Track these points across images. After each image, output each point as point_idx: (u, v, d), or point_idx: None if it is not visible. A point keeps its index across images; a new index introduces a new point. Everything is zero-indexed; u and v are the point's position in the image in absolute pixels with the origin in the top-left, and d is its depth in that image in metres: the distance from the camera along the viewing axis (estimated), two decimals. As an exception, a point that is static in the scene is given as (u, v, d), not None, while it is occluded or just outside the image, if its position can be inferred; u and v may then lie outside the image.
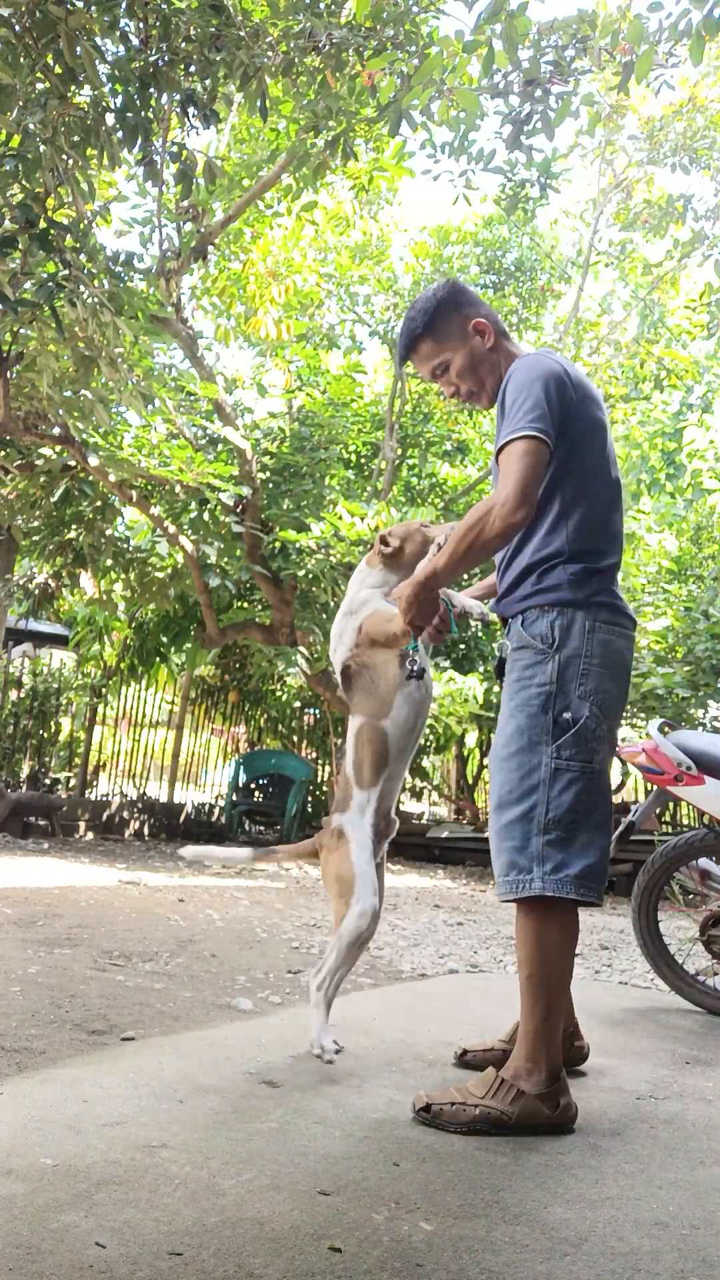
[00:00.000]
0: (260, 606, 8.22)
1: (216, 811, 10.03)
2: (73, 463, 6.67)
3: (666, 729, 3.41)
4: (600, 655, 1.98)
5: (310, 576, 7.20)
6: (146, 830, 9.16)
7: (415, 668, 2.21)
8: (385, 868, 2.41)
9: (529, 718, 1.98)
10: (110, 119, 4.00)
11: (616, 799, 10.95)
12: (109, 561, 7.53)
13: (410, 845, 9.77)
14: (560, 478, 2.02)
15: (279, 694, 11.00)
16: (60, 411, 5.73)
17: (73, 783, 9.11)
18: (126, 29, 3.96)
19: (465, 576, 2.32)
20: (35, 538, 7.46)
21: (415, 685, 2.28)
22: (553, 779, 1.93)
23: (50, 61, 3.71)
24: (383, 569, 2.45)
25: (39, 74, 3.77)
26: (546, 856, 1.90)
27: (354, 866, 2.22)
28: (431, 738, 9.95)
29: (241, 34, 4.02)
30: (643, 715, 8.25)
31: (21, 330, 4.57)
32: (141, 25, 3.92)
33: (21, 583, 9.30)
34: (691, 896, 3.82)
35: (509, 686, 2.05)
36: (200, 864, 7.16)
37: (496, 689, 8.31)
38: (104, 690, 9.37)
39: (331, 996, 2.22)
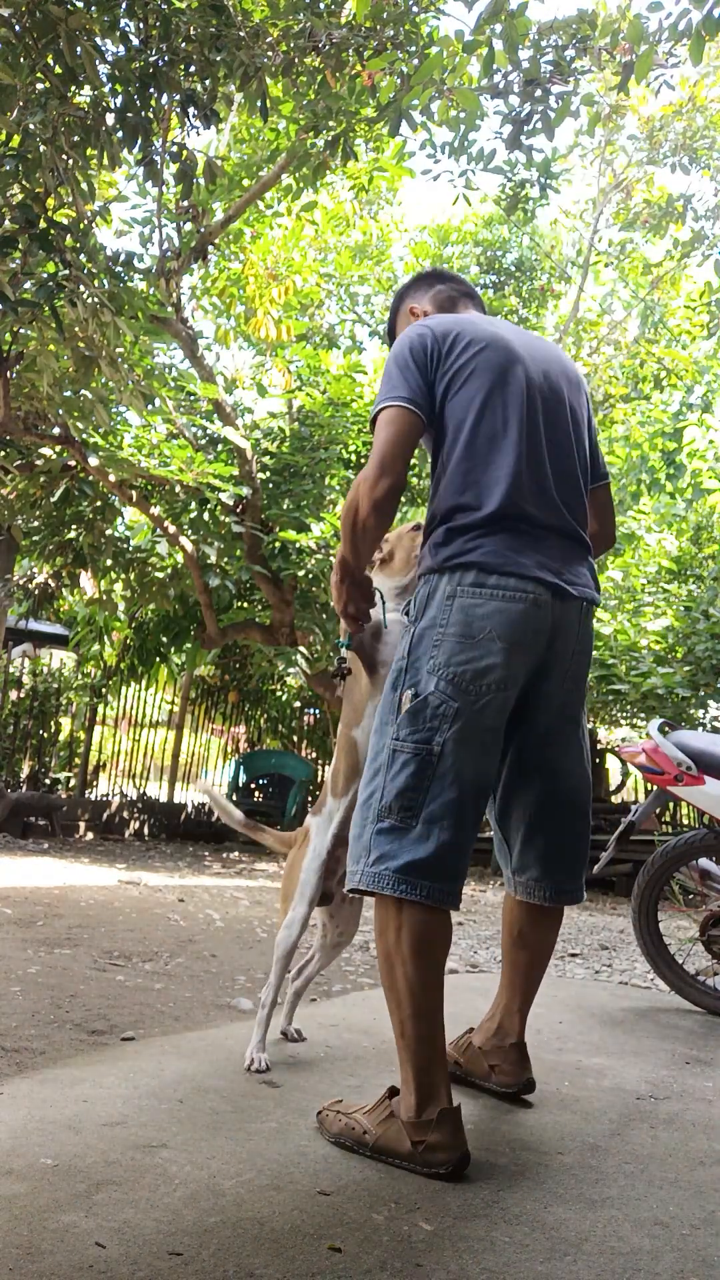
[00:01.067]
0: (260, 606, 8.23)
1: (216, 811, 10.04)
2: (73, 463, 6.67)
3: (666, 729, 3.41)
4: (459, 623, 1.74)
5: (310, 576, 7.20)
6: (146, 830, 9.16)
7: (340, 668, 2.13)
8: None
9: (384, 698, 1.83)
10: (110, 119, 4.00)
11: (616, 799, 10.95)
12: (109, 561, 7.53)
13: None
14: (436, 438, 1.87)
15: (279, 694, 11.01)
16: (60, 411, 5.73)
17: (73, 783, 9.11)
18: (126, 29, 3.96)
19: None
20: (35, 538, 7.46)
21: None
22: (390, 761, 1.75)
23: (50, 61, 3.72)
24: (381, 574, 2.39)
25: (39, 74, 3.77)
26: (373, 846, 1.73)
27: (302, 871, 2.22)
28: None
29: (241, 34, 4.03)
30: (643, 715, 8.25)
31: (21, 330, 4.57)
32: (141, 25, 3.92)
33: (21, 583, 9.30)
34: (691, 896, 3.82)
35: None
36: (199, 863, 7.16)
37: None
38: (104, 690, 9.37)
39: (272, 1009, 2.20)
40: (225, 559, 7.20)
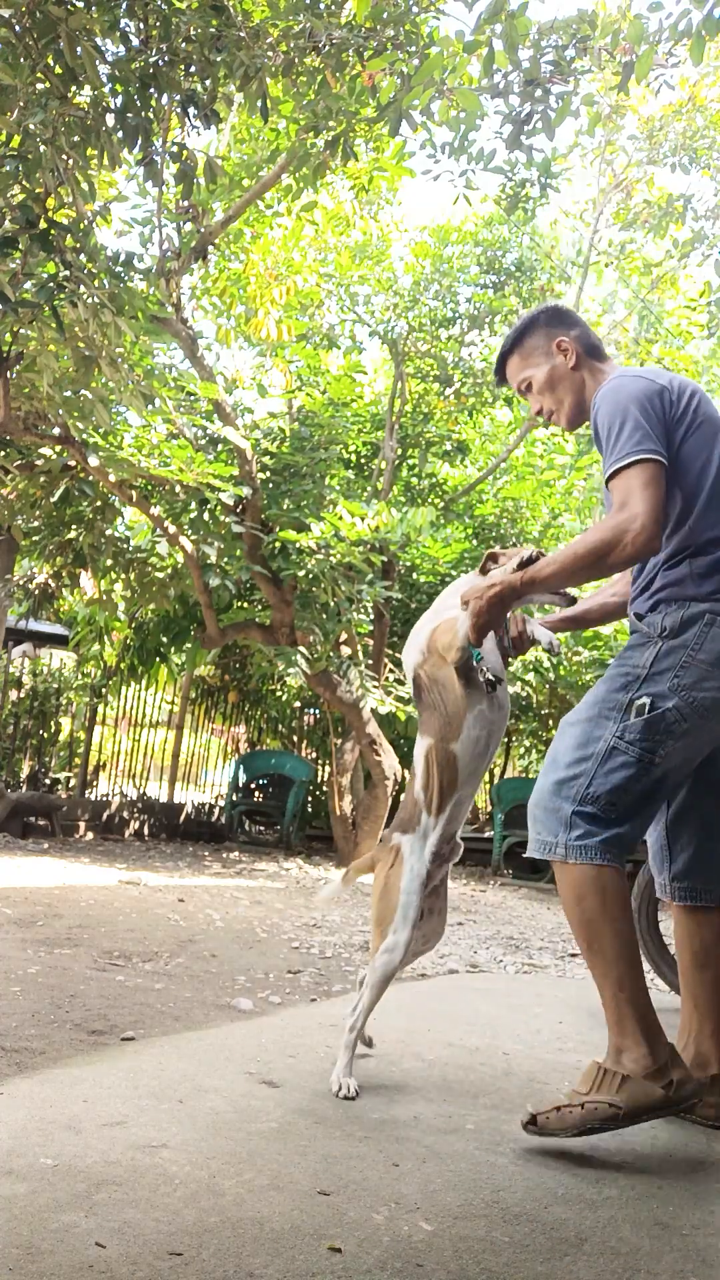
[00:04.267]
0: (260, 606, 8.22)
1: (216, 811, 10.03)
2: (73, 463, 6.67)
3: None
4: (711, 653, 1.90)
5: (310, 576, 7.19)
6: (146, 830, 9.16)
7: (488, 677, 2.09)
8: (447, 887, 2.34)
9: (608, 691, 1.95)
10: (110, 119, 4.00)
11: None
12: (109, 561, 7.52)
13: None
14: (675, 476, 1.99)
15: (279, 694, 11.00)
16: (60, 411, 5.72)
17: (73, 783, 9.11)
18: (126, 29, 3.96)
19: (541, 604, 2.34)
20: (35, 538, 7.45)
21: (488, 703, 2.14)
22: (606, 756, 1.90)
23: (50, 62, 3.71)
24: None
25: (39, 74, 3.77)
26: (574, 824, 1.88)
27: (400, 893, 2.13)
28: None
29: (242, 34, 4.02)
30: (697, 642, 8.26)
31: (21, 330, 4.57)
32: (141, 25, 3.92)
33: (21, 583, 9.29)
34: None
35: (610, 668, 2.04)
36: (202, 867, 7.17)
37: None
38: (104, 690, 9.37)
39: (360, 1034, 2.16)
40: (225, 559, 7.19)
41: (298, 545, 6.98)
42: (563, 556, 1.93)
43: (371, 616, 8.41)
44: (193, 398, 7.18)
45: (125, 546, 7.52)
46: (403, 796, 2.33)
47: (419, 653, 2.25)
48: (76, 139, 3.98)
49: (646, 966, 4.09)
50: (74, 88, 3.95)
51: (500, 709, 2.18)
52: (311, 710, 11.22)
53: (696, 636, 1.90)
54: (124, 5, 3.83)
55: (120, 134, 4.00)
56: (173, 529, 6.88)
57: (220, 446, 7.51)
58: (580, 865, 1.87)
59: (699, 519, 1.98)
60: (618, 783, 1.88)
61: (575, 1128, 1.76)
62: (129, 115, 3.97)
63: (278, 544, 7.14)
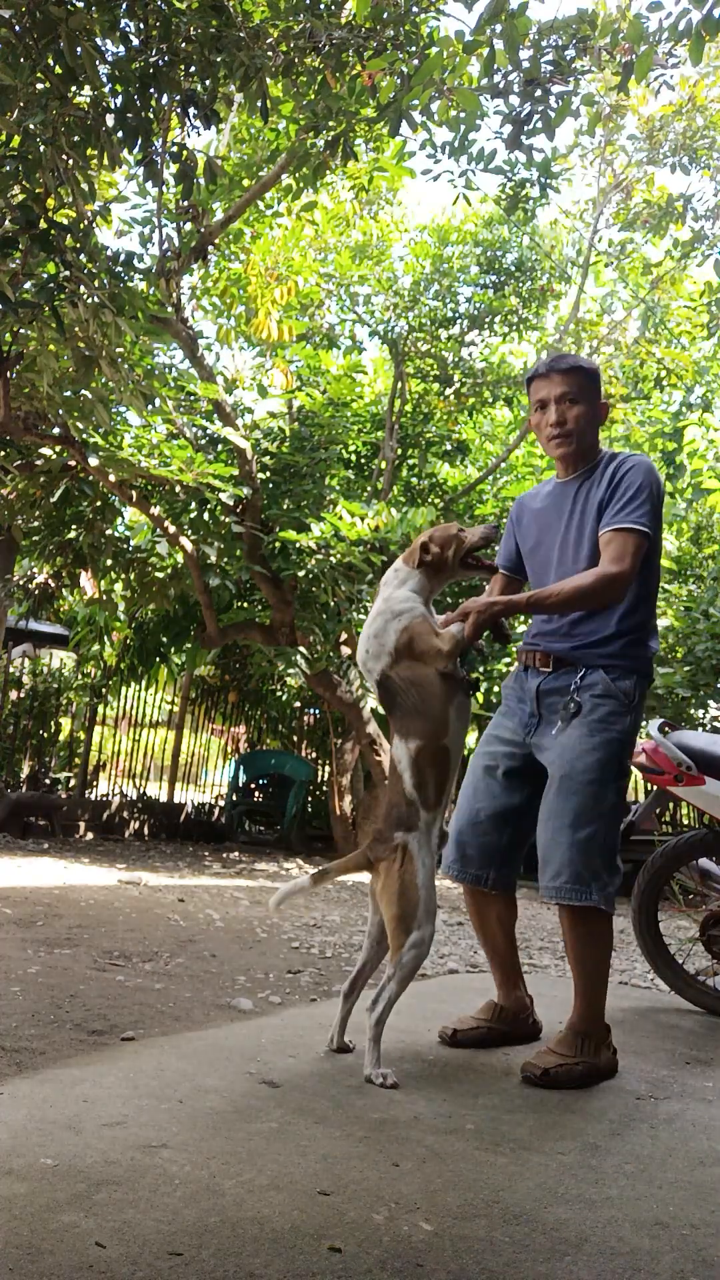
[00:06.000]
0: (260, 606, 8.22)
1: (216, 811, 10.03)
2: (73, 463, 6.66)
3: (666, 729, 3.41)
4: (641, 708, 2.43)
5: (310, 576, 7.19)
6: (146, 830, 9.16)
7: (468, 677, 2.31)
8: None
9: (611, 757, 2.33)
10: (110, 119, 3.99)
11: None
12: (109, 561, 7.52)
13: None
14: (644, 568, 2.39)
15: (279, 694, 11.00)
16: (60, 411, 5.72)
17: (73, 783, 9.11)
18: (126, 29, 3.95)
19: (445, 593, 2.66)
20: (35, 538, 7.45)
21: (462, 695, 2.32)
22: (611, 812, 2.32)
23: (50, 62, 3.71)
24: (421, 573, 2.40)
25: (39, 74, 3.77)
26: (598, 875, 2.26)
27: (419, 890, 2.19)
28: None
29: (242, 35, 4.02)
30: (643, 715, 8.26)
31: (21, 330, 4.57)
32: (141, 25, 3.92)
33: (21, 583, 9.29)
34: (691, 896, 3.81)
35: (592, 723, 2.36)
36: (203, 866, 7.16)
37: (496, 689, 8.32)
38: (104, 690, 9.36)
39: (383, 1026, 2.19)
40: (225, 559, 7.18)
41: (298, 545, 6.97)
42: (566, 590, 2.30)
43: (371, 616, 8.38)
44: (193, 398, 7.17)
45: (125, 546, 7.52)
46: (384, 798, 2.40)
47: (388, 655, 2.31)
48: (76, 139, 3.98)
49: (646, 968, 4.10)
50: (74, 88, 3.95)
51: (467, 697, 2.41)
52: (311, 710, 11.22)
53: (642, 704, 2.42)
54: (124, 5, 3.83)
55: (120, 134, 3.99)
56: (173, 529, 6.87)
57: (220, 446, 7.51)
58: (610, 915, 2.30)
59: (649, 611, 2.46)
60: (618, 831, 2.35)
61: (579, 1080, 2.24)
62: (129, 115, 3.97)
63: (278, 544, 7.13)
